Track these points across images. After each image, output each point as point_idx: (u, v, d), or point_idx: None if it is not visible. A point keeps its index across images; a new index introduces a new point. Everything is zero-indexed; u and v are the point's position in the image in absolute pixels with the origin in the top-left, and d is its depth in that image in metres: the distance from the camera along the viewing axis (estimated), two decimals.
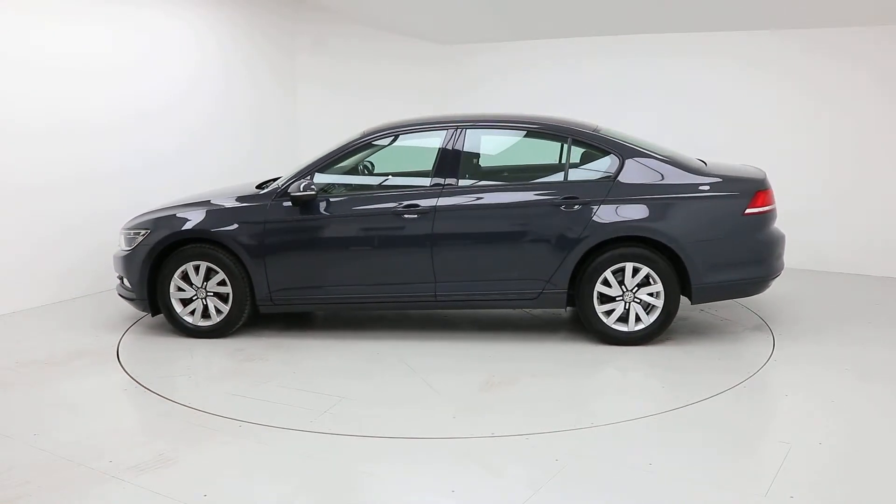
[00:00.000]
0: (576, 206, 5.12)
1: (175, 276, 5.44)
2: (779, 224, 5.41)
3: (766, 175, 5.36)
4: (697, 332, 5.51)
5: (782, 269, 5.39)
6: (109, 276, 6.81)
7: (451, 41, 9.19)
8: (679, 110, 7.86)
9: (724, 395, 4.36)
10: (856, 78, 7.12)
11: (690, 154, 5.72)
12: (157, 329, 5.77)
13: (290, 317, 6.00)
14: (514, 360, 5.00)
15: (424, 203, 5.23)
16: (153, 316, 5.67)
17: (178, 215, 5.54)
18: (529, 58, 8.69)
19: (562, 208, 5.14)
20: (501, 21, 8.24)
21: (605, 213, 5.10)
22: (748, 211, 5.10)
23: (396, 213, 5.26)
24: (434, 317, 5.98)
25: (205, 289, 5.46)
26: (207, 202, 5.63)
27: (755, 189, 5.16)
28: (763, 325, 5.61)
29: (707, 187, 5.14)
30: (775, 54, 7.43)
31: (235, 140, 7.98)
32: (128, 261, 5.54)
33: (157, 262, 5.48)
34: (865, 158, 7.18)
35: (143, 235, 5.49)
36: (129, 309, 6.21)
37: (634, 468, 3.51)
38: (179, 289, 5.46)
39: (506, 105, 8.53)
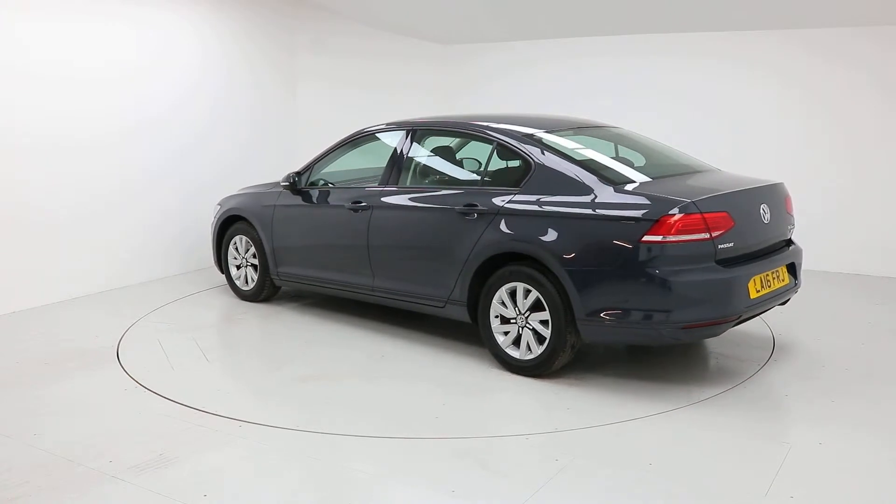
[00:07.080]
0: (475, 216, 4.81)
1: (230, 246, 6.50)
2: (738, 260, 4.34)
3: (719, 195, 4.32)
4: None
5: (731, 316, 4.23)
6: (109, 278, 6.88)
7: (451, 41, 9.20)
8: (677, 110, 7.86)
9: (724, 395, 4.36)
10: (855, 78, 7.12)
11: (696, 158, 5.36)
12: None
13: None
14: (393, 360, 5.03)
15: (365, 201, 5.46)
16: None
17: (233, 195, 6.58)
18: (529, 58, 8.69)
19: (465, 217, 4.87)
20: (501, 21, 8.24)
21: (500, 225, 4.68)
22: (646, 238, 4.13)
23: (345, 208, 5.56)
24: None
25: (246, 259, 6.39)
26: (256, 186, 6.54)
27: (664, 212, 4.11)
28: (763, 325, 5.61)
29: (607, 204, 4.33)
30: (775, 55, 7.43)
31: (236, 139, 7.97)
32: (211, 230, 6.69)
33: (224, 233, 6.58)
34: (865, 158, 7.19)
35: (218, 211, 6.62)
36: (129, 308, 6.23)
37: (634, 468, 3.51)
38: (234, 257, 6.50)
39: (505, 105, 8.54)
